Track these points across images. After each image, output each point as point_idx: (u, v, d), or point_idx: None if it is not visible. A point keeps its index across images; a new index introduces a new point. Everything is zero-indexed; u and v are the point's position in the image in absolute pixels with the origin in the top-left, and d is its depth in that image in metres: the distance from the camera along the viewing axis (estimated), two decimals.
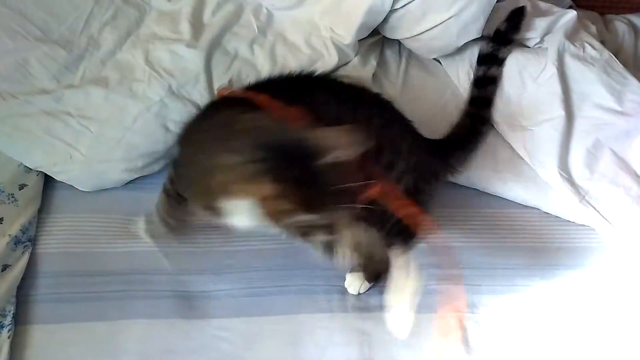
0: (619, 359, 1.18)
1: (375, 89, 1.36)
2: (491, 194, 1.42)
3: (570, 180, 1.36)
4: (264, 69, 1.41)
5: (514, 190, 1.40)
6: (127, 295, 1.19)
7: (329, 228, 0.95)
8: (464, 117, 1.41)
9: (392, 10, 1.41)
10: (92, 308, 1.17)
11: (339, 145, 0.89)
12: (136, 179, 1.37)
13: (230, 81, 1.35)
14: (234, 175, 0.91)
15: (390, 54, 1.55)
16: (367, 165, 1.00)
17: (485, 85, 1.44)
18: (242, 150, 0.90)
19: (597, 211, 1.32)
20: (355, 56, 1.47)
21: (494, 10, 1.43)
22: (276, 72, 1.30)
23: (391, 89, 1.49)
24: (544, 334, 1.21)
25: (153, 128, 1.32)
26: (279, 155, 0.89)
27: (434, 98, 1.51)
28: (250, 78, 1.34)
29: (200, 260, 1.25)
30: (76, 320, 1.14)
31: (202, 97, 1.34)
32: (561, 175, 1.35)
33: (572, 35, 1.48)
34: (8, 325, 1.09)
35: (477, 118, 1.41)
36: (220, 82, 1.37)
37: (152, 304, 1.18)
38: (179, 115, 1.31)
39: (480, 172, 1.40)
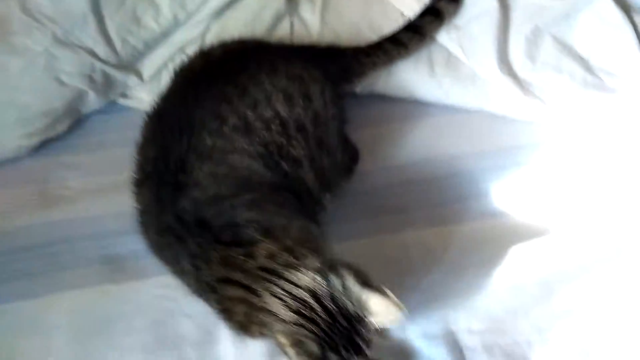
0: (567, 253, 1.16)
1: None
2: (430, 103, 1.33)
3: (512, 73, 1.28)
4: (164, 4, 1.28)
5: (452, 93, 1.31)
6: (52, 268, 1.11)
7: None
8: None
9: None
10: (17, 287, 1.09)
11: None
12: (44, 144, 1.26)
13: None
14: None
15: None
16: None
17: None
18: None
19: (543, 102, 1.25)
20: None
21: None
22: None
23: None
24: (499, 238, 1.17)
25: (43, 83, 1.21)
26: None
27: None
28: (147, 16, 1.23)
29: (126, 220, 1.15)
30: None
31: (95, 42, 1.23)
32: (501, 69, 1.27)
33: None
34: None
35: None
36: (114, 21, 1.25)
37: (80, 273, 1.11)
38: (70, 65, 1.20)
39: (415, 79, 1.31)
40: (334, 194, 1.18)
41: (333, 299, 0.83)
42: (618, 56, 1.27)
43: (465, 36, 1.31)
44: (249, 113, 1.01)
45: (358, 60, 1.27)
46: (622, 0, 1.30)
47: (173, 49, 1.29)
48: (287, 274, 0.84)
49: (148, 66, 1.29)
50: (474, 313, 1.09)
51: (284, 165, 1.03)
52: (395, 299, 0.83)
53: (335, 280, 0.84)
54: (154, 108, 1.10)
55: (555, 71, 1.27)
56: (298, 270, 0.84)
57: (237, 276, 0.87)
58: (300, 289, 0.83)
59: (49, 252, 1.13)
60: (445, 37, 1.33)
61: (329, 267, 0.85)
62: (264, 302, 0.85)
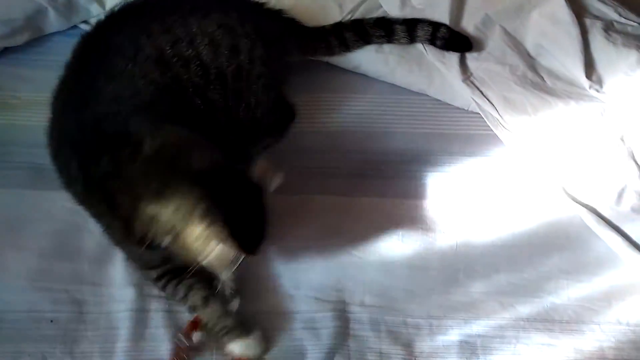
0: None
1: None
2: (376, 79, 1.34)
3: (460, 57, 1.27)
4: None
5: (398, 72, 1.31)
6: None
7: None
8: None
9: None
10: None
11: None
12: (4, 54, 1.32)
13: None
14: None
15: None
16: None
17: None
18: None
19: (481, 92, 1.23)
20: None
21: None
22: None
23: None
24: (415, 219, 1.17)
25: None
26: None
27: None
28: None
29: None
30: None
31: None
32: (447, 54, 1.26)
33: None
34: None
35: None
36: None
37: (3, 174, 1.17)
38: None
39: (362, 53, 1.31)
40: (265, 148, 1.20)
41: None
42: (564, 59, 1.25)
43: (418, 16, 1.30)
44: (167, 48, 1.03)
45: (301, 41, 1.28)
46: (578, 2, 1.28)
47: None
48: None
49: None
50: (370, 287, 1.10)
51: (198, 102, 1.04)
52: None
53: None
54: (90, 32, 1.13)
55: (497, 63, 1.26)
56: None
57: (127, 171, 0.88)
58: None
59: None
60: (398, 15, 1.32)
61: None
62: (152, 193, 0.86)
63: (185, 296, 1.03)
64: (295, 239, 1.13)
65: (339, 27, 1.32)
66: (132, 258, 1.05)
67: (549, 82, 1.24)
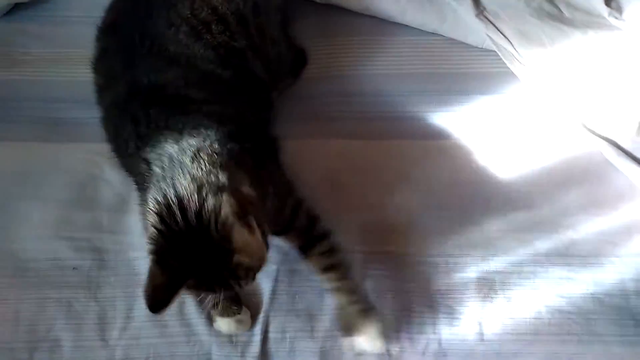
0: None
1: None
2: (386, 19, 1.30)
3: None
4: None
5: (409, 11, 1.27)
6: None
7: None
8: None
9: None
10: None
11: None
12: (13, 12, 1.33)
13: None
14: None
15: None
16: None
17: None
18: None
19: (496, 27, 1.20)
20: None
21: None
22: None
23: None
24: (429, 158, 1.16)
25: None
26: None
27: None
28: None
29: (75, 89, 1.22)
30: None
31: None
32: None
33: None
34: None
35: None
36: None
37: (22, 128, 1.19)
38: None
39: None
40: (280, 93, 1.20)
41: None
42: None
43: None
44: (190, 16, 1.03)
45: None
46: None
47: None
48: None
49: None
50: (386, 230, 1.10)
51: (233, 60, 1.05)
52: None
53: None
54: (105, 22, 1.11)
55: None
56: None
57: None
58: None
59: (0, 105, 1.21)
60: None
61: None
62: None
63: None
64: (311, 184, 1.12)
65: None
66: None
67: (566, 12, 1.20)
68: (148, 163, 0.89)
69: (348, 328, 0.99)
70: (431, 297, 1.05)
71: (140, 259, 1.06)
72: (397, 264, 1.08)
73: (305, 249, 1.02)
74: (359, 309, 0.98)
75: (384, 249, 1.09)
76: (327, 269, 1.00)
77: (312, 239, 1.01)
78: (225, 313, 1.01)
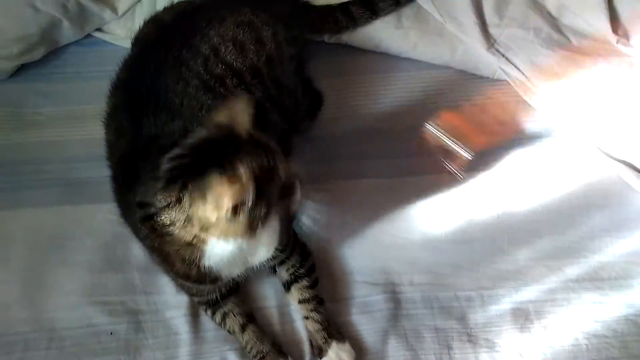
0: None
1: None
2: (397, 56, 1.32)
3: (482, 25, 1.25)
4: None
5: (420, 46, 1.30)
6: (17, 186, 1.18)
7: None
8: None
9: None
10: None
11: None
12: (22, 70, 1.31)
13: None
14: None
15: None
16: None
17: None
18: None
19: (507, 59, 1.22)
20: None
21: None
22: None
23: None
24: (452, 193, 1.17)
25: (18, 8, 1.24)
26: None
27: None
28: None
29: (91, 147, 1.18)
30: None
31: None
32: (474, 22, 1.24)
33: None
34: None
35: None
36: None
37: (41, 192, 1.17)
38: None
39: (382, 31, 1.30)
40: (299, 136, 1.20)
41: None
42: (587, 15, 1.23)
43: None
44: (203, 71, 1.03)
45: (309, 18, 1.28)
46: None
47: None
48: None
49: (123, 1, 1.31)
50: (418, 266, 1.11)
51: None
52: None
53: None
54: (118, 78, 1.10)
55: (520, 27, 1.24)
56: None
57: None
58: None
59: (17, 170, 1.19)
60: None
61: None
62: None
63: (221, 322, 1.05)
64: (337, 227, 1.13)
65: (345, 2, 1.30)
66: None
67: (574, 41, 1.23)
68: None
69: (319, 351, 1.04)
70: (470, 332, 1.06)
71: (176, 317, 1.05)
72: (431, 301, 1.09)
73: (291, 283, 1.07)
74: (325, 336, 1.04)
75: (415, 285, 1.09)
76: (303, 301, 1.07)
77: (300, 274, 1.07)
78: None
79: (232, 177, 0.75)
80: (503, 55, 1.23)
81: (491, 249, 1.13)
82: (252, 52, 1.07)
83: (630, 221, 1.13)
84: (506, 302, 1.08)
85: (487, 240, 1.13)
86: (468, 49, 1.26)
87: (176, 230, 0.80)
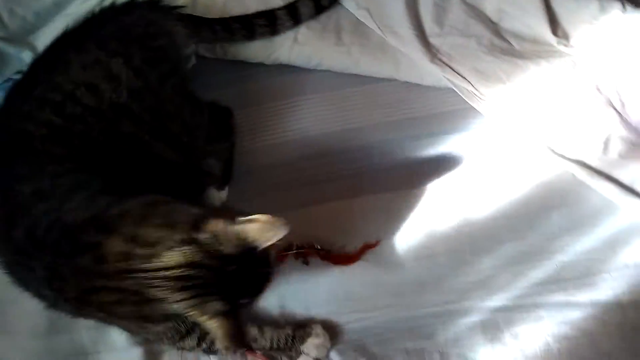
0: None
1: None
2: (340, 73, 1.27)
3: (422, 36, 1.23)
4: None
5: (362, 62, 1.26)
6: None
7: None
8: None
9: None
10: None
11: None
12: None
13: None
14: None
15: None
16: None
17: None
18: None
19: (452, 68, 1.20)
20: None
21: None
22: None
23: None
24: (409, 208, 1.15)
25: None
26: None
27: None
28: None
29: None
30: None
31: None
32: (414, 34, 1.22)
33: None
34: None
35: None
36: None
37: None
38: None
39: (322, 48, 1.26)
40: (216, 157, 1.15)
41: (211, 254, 0.76)
42: (526, 19, 1.23)
43: (373, 1, 1.26)
44: (57, 120, 0.91)
45: (191, 27, 1.17)
46: None
47: (69, 21, 1.19)
48: (150, 265, 0.75)
49: (43, 39, 1.21)
50: (381, 289, 1.08)
51: (121, 144, 0.93)
52: (270, 217, 0.78)
53: (204, 237, 0.76)
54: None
55: (462, 36, 1.23)
56: (160, 255, 0.75)
57: (101, 282, 0.78)
58: (173, 269, 0.76)
59: None
60: (352, 3, 1.28)
61: (192, 227, 0.77)
62: (146, 296, 0.77)
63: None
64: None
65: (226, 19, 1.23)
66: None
67: (516, 45, 1.22)
68: None
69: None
70: (441, 350, 1.04)
71: None
72: (399, 321, 1.06)
73: None
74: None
75: (380, 309, 1.07)
76: None
77: None
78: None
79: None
80: (447, 65, 1.21)
81: (455, 261, 1.11)
82: (108, 92, 0.94)
83: (588, 218, 1.13)
84: (474, 314, 1.06)
85: (448, 252, 1.11)
86: (411, 61, 1.24)
87: None
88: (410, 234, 1.13)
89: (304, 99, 1.26)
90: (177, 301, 0.76)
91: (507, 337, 1.04)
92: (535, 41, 1.22)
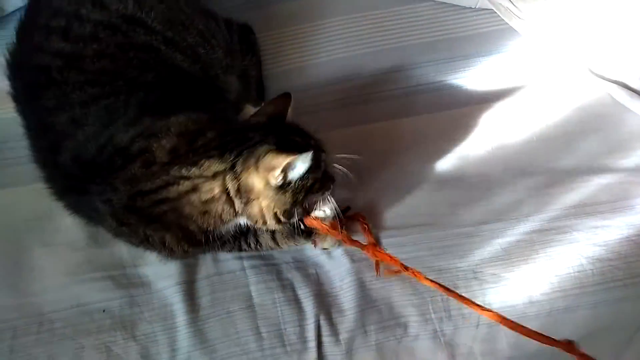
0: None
1: None
2: None
3: None
4: None
5: None
6: None
7: None
8: None
9: None
10: None
11: None
12: None
13: None
14: None
15: None
16: None
17: None
18: None
19: None
20: None
21: None
22: None
23: None
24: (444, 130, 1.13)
25: None
26: None
27: None
28: None
29: None
30: None
31: None
32: None
33: None
34: None
35: None
36: None
37: (15, 171, 1.09)
38: None
39: None
40: (236, 73, 1.13)
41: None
42: None
43: None
44: (66, 46, 0.94)
45: None
46: None
47: None
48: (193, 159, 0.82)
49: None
50: (415, 209, 1.07)
51: (139, 57, 0.95)
52: None
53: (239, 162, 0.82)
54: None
55: None
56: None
57: (148, 185, 0.83)
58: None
59: None
60: None
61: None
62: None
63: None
64: None
65: None
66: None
67: None
68: None
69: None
70: (475, 269, 1.03)
71: (169, 287, 1.01)
72: (431, 240, 1.06)
73: None
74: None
75: (414, 227, 1.06)
76: None
77: None
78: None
79: (282, 151, 0.80)
80: None
81: (486, 184, 1.09)
82: (115, 2, 0.96)
83: (626, 141, 1.11)
84: (509, 234, 1.05)
85: (482, 175, 1.10)
86: None
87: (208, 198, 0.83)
88: (444, 156, 1.11)
89: (333, 21, 1.24)
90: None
91: (541, 258, 1.03)
92: None
